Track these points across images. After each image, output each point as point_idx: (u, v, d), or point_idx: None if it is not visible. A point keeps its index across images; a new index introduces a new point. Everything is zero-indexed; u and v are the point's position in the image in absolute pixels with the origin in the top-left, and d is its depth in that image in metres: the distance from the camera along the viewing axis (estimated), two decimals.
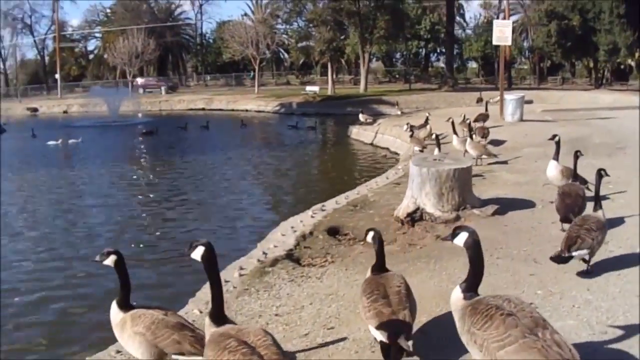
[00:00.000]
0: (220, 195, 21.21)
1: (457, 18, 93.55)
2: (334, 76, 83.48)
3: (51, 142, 36.93)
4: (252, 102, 66.76)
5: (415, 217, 10.43)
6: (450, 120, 19.38)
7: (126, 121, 55.53)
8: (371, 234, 6.10)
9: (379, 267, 5.90)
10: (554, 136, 11.84)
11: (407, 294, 5.49)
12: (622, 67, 75.05)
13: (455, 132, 18.34)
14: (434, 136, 19.49)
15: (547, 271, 7.54)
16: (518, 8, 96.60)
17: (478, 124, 22.38)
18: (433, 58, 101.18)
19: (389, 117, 35.91)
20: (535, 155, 17.36)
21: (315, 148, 35.65)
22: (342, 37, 73.97)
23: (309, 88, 71.85)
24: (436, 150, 15.80)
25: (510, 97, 27.95)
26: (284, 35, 77.02)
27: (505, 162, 16.76)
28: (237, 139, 39.87)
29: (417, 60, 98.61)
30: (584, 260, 7.39)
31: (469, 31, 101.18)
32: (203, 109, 69.14)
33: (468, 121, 20.88)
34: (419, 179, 10.48)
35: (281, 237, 10.47)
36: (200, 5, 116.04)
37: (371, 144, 31.42)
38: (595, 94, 56.15)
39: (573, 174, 10.67)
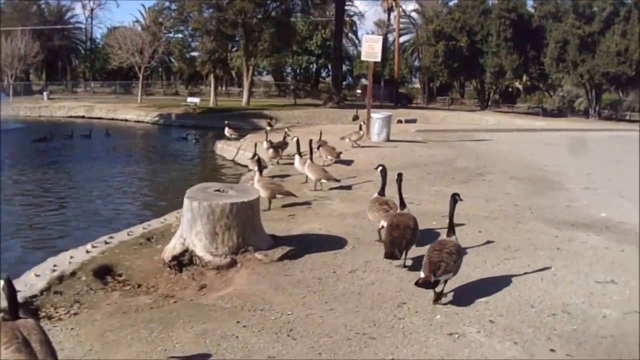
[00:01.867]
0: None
1: (350, 35, 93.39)
2: (223, 88, 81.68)
3: None
4: (133, 112, 64.30)
5: (183, 260, 8.49)
6: (310, 140, 17.51)
7: None
8: None
9: None
10: (379, 166, 10.44)
11: None
12: (509, 89, 75.55)
13: (298, 152, 16.45)
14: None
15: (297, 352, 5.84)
16: (411, 27, 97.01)
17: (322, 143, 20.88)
18: (324, 74, 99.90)
19: (258, 133, 34.03)
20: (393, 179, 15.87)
21: (170, 162, 33.48)
22: (234, 49, 72.38)
23: (189, 99, 69.72)
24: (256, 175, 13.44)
25: (377, 115, 26.51)
26: (170, 44, 74.08)
27: (348, 188, 15.20)
28: (99, 149, 37.62)
29: (307, 75, 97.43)
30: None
31: (360, 48, 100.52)
32: (83, 117, 66.31)
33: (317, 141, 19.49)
34: (189, 215, 8.56)
35: (33, 279, 8.48)
36: (92, 10, 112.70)
37: (232, 160, 29.46)
38: (480, 115, 56.38)
39: (400, 202, 9.08)
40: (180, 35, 71.52)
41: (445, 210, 8.29)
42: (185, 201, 8.65)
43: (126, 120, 62.47)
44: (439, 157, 21.47)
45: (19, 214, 19.09)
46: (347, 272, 8.10)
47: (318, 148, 20.02)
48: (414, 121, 46.48)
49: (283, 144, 22.85)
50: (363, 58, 27.72)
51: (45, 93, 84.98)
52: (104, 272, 8.78)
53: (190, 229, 8.53)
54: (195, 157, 36.42)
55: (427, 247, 7.25)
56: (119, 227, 13.40)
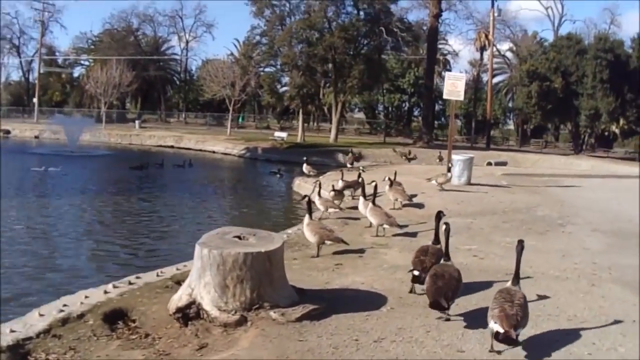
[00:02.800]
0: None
1: (443, 73, 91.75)
2: (314, 124, 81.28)
3: (35, 169, 37.46)
4: (221, 144, 64.37)
5: (189, 313, 7.39)
6: (373, 183, 16.34)
7: (85, 152, 53.91)
8: None
9: None
10: (439, 213, 9.66)
11: None
12: (606, 133, 72.75)
13: (363, 194, 15.28)
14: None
15: None
16: (505, 67, 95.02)
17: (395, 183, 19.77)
18: (416, 112, 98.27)
19: (339, 171, 32.87)
20: (454, 229, 14.54)
21: (247, 197, 32.79)
22: (327, 85, 71.92)
23: (277, 134, 69.59)
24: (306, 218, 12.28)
25: (458, 157, 25.15)
26: (260, 78, 74.31)
27: (413, 235, 13.85)
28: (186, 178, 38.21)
29: (399, 113, 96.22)
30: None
31: None
32: (172, 147, 67.08)
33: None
34: (199, 263, 7.51)
35: (35, 319, 7.64)
36: (187, 42, 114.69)
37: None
38: (573, 159, 54.07)
39: (445, 252, 8.18)
40: (270, 70, 71.67)
41: (511, 268, 7.43)
42: (196, 247, 7.60)
43: (213, 152, 62.48)
44: (519, 203, 19.92)
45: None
46: (372, 340, 6.84)
47: (391, 185, 19.03)
48: (504, 164, 44.66)
49: (356, 184, 21.72)
50: (445, 96, 26.62)
51: (137, 122, 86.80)
52: (115, 317, 7.83)
53: (199, 279, 7.49)
54: (274, 193, 35.74)
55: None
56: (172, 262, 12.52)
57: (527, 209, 18.76)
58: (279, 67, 69.58)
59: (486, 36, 74.36)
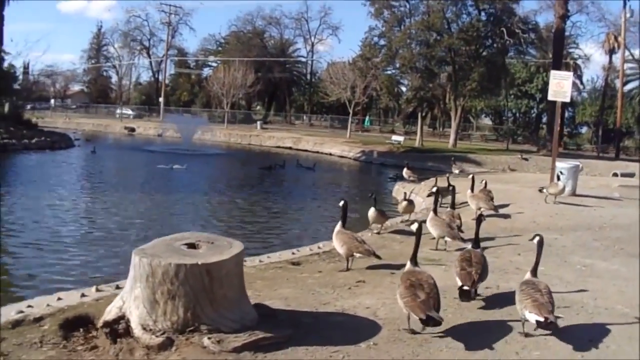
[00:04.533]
0: None
1: (572, 79, 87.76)
2: (440, 129, 79.32)
3: (161, 166, 38.39)
4: (337, 147, 63.52)
5: (117, 329, 6.13)
6: (435, 187, 14.82)
7: (198, 150, 54.58)
8: None
9: None
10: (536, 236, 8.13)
11: None
12: None
13: (435, 206, 13.47)
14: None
15: None
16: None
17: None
18: (545, 119, 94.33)
19: (442, 177, 31.00)
20: (531, 246, 12.75)
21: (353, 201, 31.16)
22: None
23: (394, 137, 67.79)
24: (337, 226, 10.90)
25: (562, 165, 23.02)
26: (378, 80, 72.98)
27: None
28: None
29: (527, 120, 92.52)
30: None
31: (584, 94, 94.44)
32: (290, 148, 66.87)
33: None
34: (132, 273, 6.25)
35: None
36: (312, 44, 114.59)
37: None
38: None
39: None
40: (389, 72, 70.11)
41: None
42: (133, 254, 6.31)
43: (330, 154, 61.81)
44: (623, 219, 17.55)
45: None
46: None
47: (486, 190, 18.15)
48: (631, 175, 41.31)
49: (445, 190, 20.02)
50: (550, 98, 24.31)
51: (258, 122, 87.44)
52: (77, 324, 6.72)
53: (130, 290, 6.25)
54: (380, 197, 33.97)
55: None
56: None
57: (629, 225, 16.44)
58: (397, 69, 67.85)
59: (615, 38, 70.39)
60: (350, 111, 76.74)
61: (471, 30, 59.05)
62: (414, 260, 7.50)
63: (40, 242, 16.12)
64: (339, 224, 10.37)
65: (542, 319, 6.31)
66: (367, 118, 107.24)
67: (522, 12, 61.53)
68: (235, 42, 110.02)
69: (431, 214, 12.58)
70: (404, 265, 10.23)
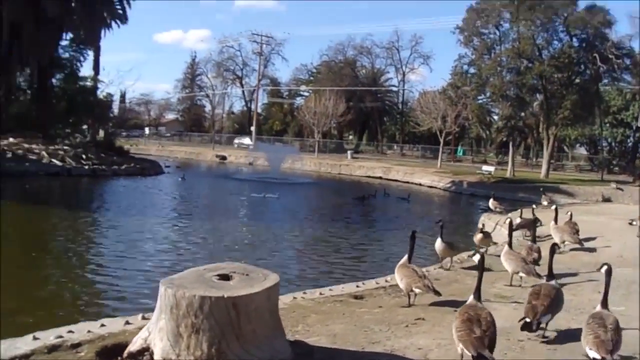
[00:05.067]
0: None
1: None
2: (534, 159, 77.55)
3: (254, 195, 38.84)
4: (427, 177, 62.54)
5: None
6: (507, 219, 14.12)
7: (286, 179, 54.37)
8: None
9: None
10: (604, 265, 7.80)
11: None
12: None
13: (510, 238, 12.79)
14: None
15: None
16: None
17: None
18: None
19: (528, 208, 29.83)
20: (615, 284, 12.01)
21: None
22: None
23: (484, 168, 66.35)
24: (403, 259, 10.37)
25: None
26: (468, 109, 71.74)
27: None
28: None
29: (623, 149, 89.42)
30: None
31: None
32: (380, 177, 66.32)
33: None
34: (158, 303, 6.01)
35: (25, 342, 6.82)
36: (404, 73, 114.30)
37: None
38: None
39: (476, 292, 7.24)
40: (480, 101, 69.01)
41: None
42: (160, 284, 6.03)
43: (420, 184, 60.85)
44: None
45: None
46: None
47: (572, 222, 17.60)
48: None
49: (530, 223, 19.22)
50: None
51: (349, 152, 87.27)
52: (114, 352, 6.51)
53: (156, 322, 6.00)
54: (460, 227, 33.07)
55: None
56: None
57: None
58: (488, 97, 66.69)
59: None
60: (441, 141, 75.74)
61: (563, 56, 57.21)
62: (477, 294, 7.11)
63: (109, 268, 16.20)
64: (405, 256, 9.93)
65: (599, 357, 6.17)
66: (459, 148, 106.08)
67: (616, 37, 59.45)
68: (327, 72, 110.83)
69: (505, 247, 12.06)
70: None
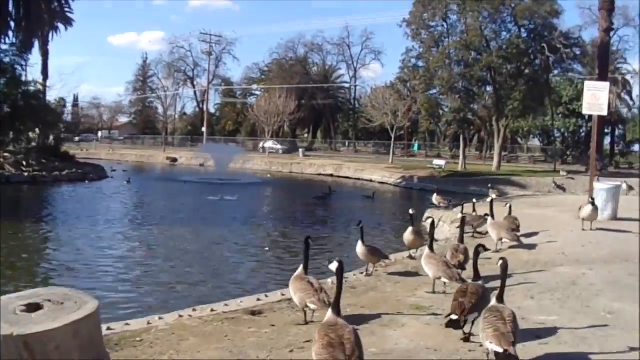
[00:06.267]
0: None
1: (623, 96, 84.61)
2: (488, 152, 77.26)
3: (211, 198, 37.33)
4: (378, 173, 61.70)
5: None
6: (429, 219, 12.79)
7: (234, 180, 52.91)
8: None
9: None
10: None
11: None
12: None
13: (431, 240, 11.48)
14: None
15: None
16: None
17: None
18: None
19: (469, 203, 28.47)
20: (550, 285, 10.93)
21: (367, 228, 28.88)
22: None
23: (435, 162, 65.97)
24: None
25: (601, 186, 20.89)
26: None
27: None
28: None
29: (577, 140, 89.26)
30: None
31: (635, 110, 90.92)
32: (332, 175, 65.68)
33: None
34: None
35: None
36: (355, 70, 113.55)
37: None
38: None
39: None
40: (429, 94, 68.20)
41: None
42: None
43: (371, 180, 59.99)
44: None
45: None
46: None
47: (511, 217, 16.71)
48: None
49: (476, 219, 18.11)
50: (585, 111, 22.26)
51: (300, 150, 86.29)
52: None
53: None
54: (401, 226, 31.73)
55: None
56: None
57: None
58: (437, 91, 65.84)
59: None
60: (393, 136, 74.90)
61: (511, 47, 56.67)
62: (336, 309, 6.11)
63: None
64: (301, 267, 8.65)
65: (501, 350, 6.04)
66: (414, 143, 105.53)
67: (566, 27, 59.08)
68: (278, 70, 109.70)
69: (426, 250, 10.88)
70: (379, 316, 8.58)
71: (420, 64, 62.97)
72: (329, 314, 6.07)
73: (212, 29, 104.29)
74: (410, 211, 14.21)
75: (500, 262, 7.31)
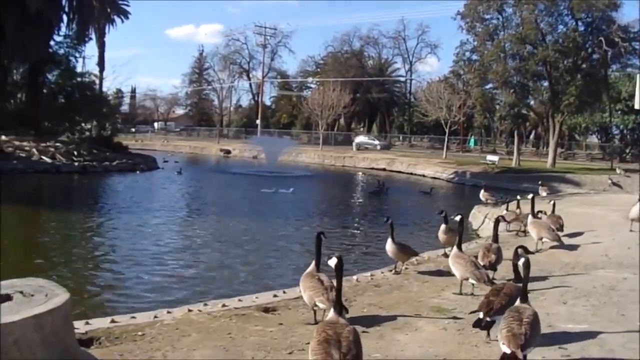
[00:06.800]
0: None
1: None
2: (545, 148, 76.01)
3: (265, 190, 37.29)
4: (431, 168, 61.16)
5: None
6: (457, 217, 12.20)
7: (284, 172, 53.34)
8: None
9: None
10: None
11: None
12: None
13: (460, 239, 11.02)
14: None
15: None
16: None
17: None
18: None
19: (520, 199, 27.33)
20: (585, 290, 10.40)
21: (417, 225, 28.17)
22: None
23: (489, 157, 64.95)
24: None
25: None
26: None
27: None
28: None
29: (636, 137, 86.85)
30: None
31: None
32: (384, 169, 65.47)
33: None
34: None
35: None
36: (411, 63, 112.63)
37: (475, 231, 23.97)
38: None
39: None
40: (484, 88, 67.03)
41: None
42: None
43: (423, 175, 59.69)
44: None
45: None
46: None
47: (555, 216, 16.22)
48: None
49: (523, 217, 17.42)
50: (637, 106, 21.49)
51: (354, 144, 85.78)
52: None
53: None
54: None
55: None
56: None
57: None
58: (492, 85, 64.57)
59: None
60: (447, 131, 73.87)
61: (567, 41, 55.24)
62: (338, 307, 6.01)
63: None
64: (312, 263, 8.34)
65: (508, 352, 5.88)
66: (470, 138, 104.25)
67: (625, 20, 57.28)
68: (333, 63, 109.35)
69: (454, 249, 10.34)
70: (394, 318, 8.22)
71: (475, 57, 61.84)
72: (331, 312, 5.99)
73: (268, 22, 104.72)
74: (387, 220, 12.66)
75: (522, 260, 7.04)
